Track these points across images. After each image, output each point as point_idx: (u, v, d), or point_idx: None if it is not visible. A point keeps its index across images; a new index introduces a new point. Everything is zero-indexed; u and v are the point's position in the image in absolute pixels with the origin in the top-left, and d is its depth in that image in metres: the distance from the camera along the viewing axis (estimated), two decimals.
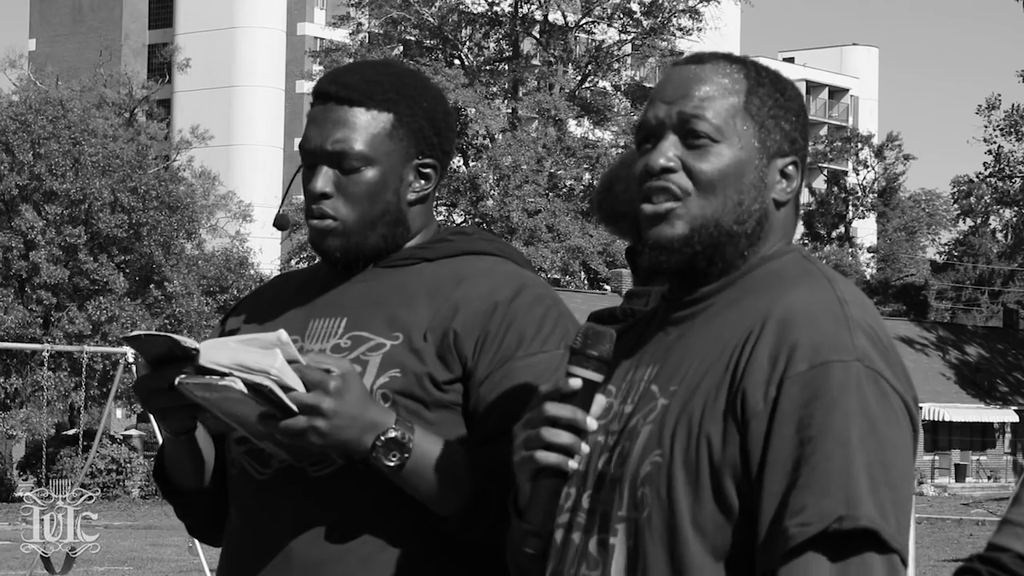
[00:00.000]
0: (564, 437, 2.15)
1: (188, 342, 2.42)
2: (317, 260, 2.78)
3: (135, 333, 2.46)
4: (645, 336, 2.28)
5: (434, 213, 2.81)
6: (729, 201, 2.18)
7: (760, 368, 2.08)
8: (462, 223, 43.32)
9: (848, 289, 2.17)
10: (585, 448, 2.17)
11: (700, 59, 2.26)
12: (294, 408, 2.40)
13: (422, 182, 2.69)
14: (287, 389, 2.39)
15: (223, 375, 2.39)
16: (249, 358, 2.38)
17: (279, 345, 2.39)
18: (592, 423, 2.16)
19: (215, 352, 2.40)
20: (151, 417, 18.14)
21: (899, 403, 2.08)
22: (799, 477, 2.00)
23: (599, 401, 2.19)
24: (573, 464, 2.16)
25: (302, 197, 2.80)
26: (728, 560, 2.07)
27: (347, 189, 2.63)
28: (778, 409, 2.04)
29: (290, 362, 2.39)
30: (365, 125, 2.64)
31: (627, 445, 2.16)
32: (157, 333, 2.44)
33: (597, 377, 2.17)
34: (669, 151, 2.19)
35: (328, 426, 2.41)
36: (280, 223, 2.92)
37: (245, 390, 2.38)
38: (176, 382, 2.44)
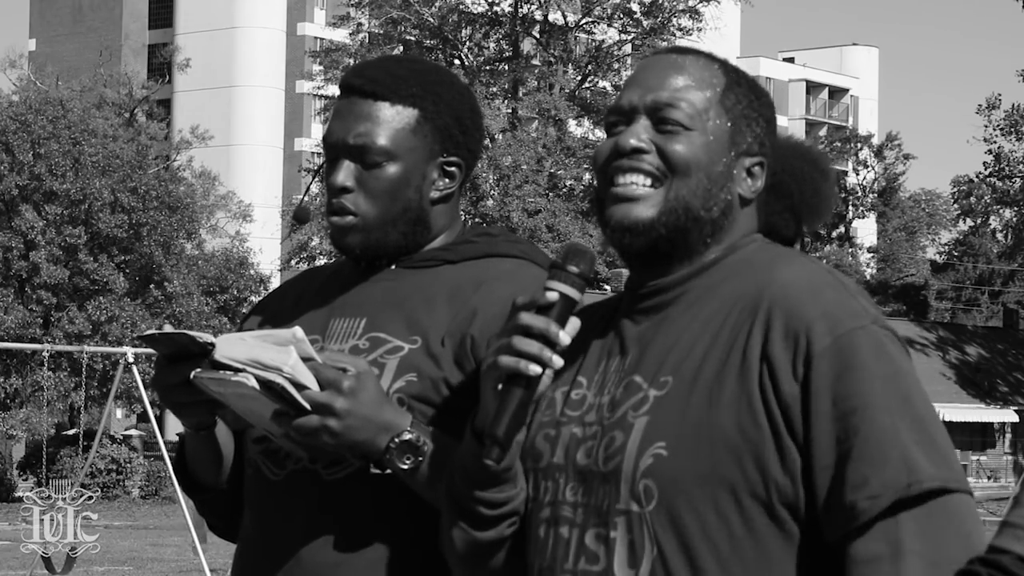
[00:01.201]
0: (533, 346, 2.14)
1: (204, 337, 2.40)
2: (323, 261, 2.76)
3: (150, 332, 2.43)
4: (612, 325, 2.28)
5: (460, 213, 2.77)
6: (700, 185, 2.21)
7: (781, 349, 2.09)
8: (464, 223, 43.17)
9: (830, 267, 2.23)
10: (558, 361, 2.16)
11: (681, 50, 2.29)
12: (307, 407, 2.37)
13: (446, 180, 2.66)
14: (301, 387, 2.36)
15: (237, 370, 2.37)
16: (264, 354, 2.36)
17: (294, 342, 2.36)
18: (565, 337, 2.15)
19: (231, 347, 2.38)
20: (151, 417, 18.05)
21: (908, 355, 2.15)
22: (852, 449, 2.04)
23: (573, 323, 2.18)
24: (536, 369, 2.15)
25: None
26: (744, 545, 2.07)
27: (368, 184, 2.60)
28: (812, 385, 2.07)
29: (305, 360, 2.37)
30: (389, 120, 2.60)
31: (618, 437, 2.15)
32: (173, 331, 2.41)
33: (575, 294, 2.16)
34: (642, 133, 2.21)
35: (341, 426, 2.38)
36: (300, 215, 2.91)
37: (258, 386, 2.36)
38: (191, 376, 2.42)
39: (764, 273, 2.17)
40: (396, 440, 2.42)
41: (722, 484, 2.07)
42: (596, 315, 2.33)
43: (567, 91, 46.67)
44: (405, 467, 2.43)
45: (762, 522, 2.07)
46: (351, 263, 2.71)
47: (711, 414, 2.09)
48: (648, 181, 2.20)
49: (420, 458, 2.43)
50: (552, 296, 2.15)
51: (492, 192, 44.87)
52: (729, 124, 2.24)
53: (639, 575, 2.10)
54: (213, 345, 2.40)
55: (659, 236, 2.19)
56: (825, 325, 2.09)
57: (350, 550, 2.53)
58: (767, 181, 2.30)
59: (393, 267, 2.67)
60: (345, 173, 2.61)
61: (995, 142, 56.88)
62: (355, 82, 2.64)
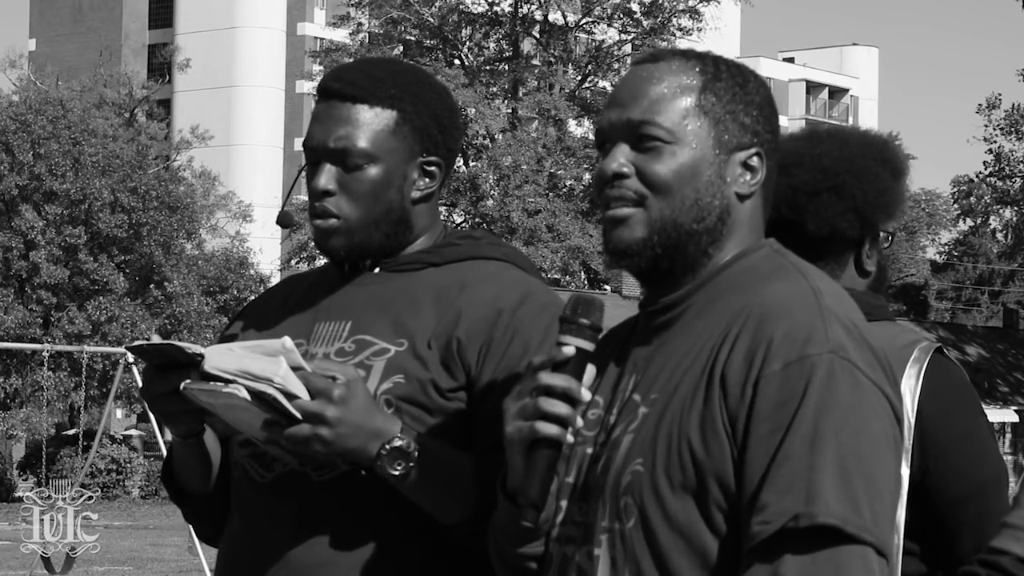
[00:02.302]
0: (561, 407, 2.12)
1: (193, 348, 2.41)
2: (324, 261, 2.77)
3: (138, 343, 2.44)
4: (628, 346, 2.27)
5: (440, 213, 2.78)
6: (686, 200, 2.17)
7: (738, 368, 2.06)
8: (461, 223, 43.23)
9: (822, 281, 2.16)
10: (580, 422, 2.15)
11: (655, 57, 2.25)
12: (298, 416, 2.38)
13: (426, 180, 2.67)
14: (291, 396, 2.37)
15: (227, 382, 2.38)
16: (253, 365, 2.36)
17: (283, 352, 2.37)
18: (586, 394, 2.14)
19: (220, 358, 2.39)
20: (151, 417, 18.06)
21: (876, 393, 2.05)
22: (768, 474, 1.99)
23: (590, 371, 2.16)
24: (570, 438, 2.14)
25: (305, 196, 2.78)
26: (715, 566, 2.06)
27: (350, 187, 2.61)
28: (754, 409, 2.03)
29: (295, 369, 2.38)
30: (368, 122, 2.62)
31: (611, 455, 2.15)
32: (161, 342, 2.42)
33: (588, 346, 2.14)
34: (620, 157, 2.19)
35: (332, 434, 2.39)
36: (283, 221, 2.91)
37: (249, 397, 2.37)
38: (181, 387, 2.43)
39: (754, 289, 2.14)
40: (387, 447, 2.44)
41: (694, 500, 2.06)
42: (617, 336, 2.33)
43: (567, 91, 46.65)
44: (396, 473, 2.44)
45: (733, 538, 2.05)
46: (335, 267, 2.72)
47: (682, 431, 2.07)
48: (631, 206, 2.18)
49: (411, 464, 2.45)
50: (569, 351, 2.14)
51: (492, 192, 44.85)
52: (711, 125, 2.19)
53: None
54: (202, 356, 2.40)
55: (656, 255, 2.18)
56: (781, 348, 2.04)
57: (338, 551, 2.54)
58: (772, 165, 2.24)
59: (377, 270, 2.68)
60: (326, 177, 2.62)
61: (995, 142, 56.85)
62: (333, 86, 2.65)
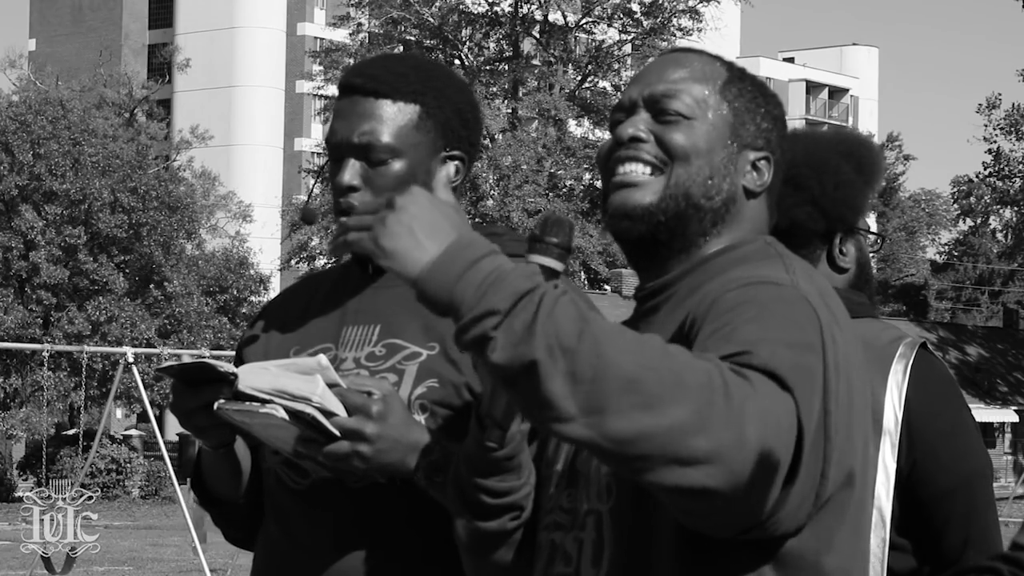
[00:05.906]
0: None
1: (224, 367, 2.39)
2: (323, 261, 2.74)
3: (168, 364, 2.42)
4: None
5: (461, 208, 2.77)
6: (700, 174, 2.18)
7: (698, 317, 2.05)
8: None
9: (800, 265, 2.15)
10: None
11: (684, 50, 2.29)
12: (337, 434, 2.37)
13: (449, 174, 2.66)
14: (329, 414, 2.36)
15: (264, 401, 2.36)
16: (290, 384, 2.35)
17: (320, 370, 2.36)
18: None
19: (254, 378, 2.37)
20: (151, 417, 17.97)
21: (797, 306, 2.02)
22: (717, 339, 1.96)
23: None
24: None
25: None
26: (701, 543, 2.03)
27: (374, 182, 2.60)
28: (708, 315, 2.01)
29: (331, 386, 2.36)
30: (392, 117, 2.61)
31: None
32: (192, 361, 2.40)
33: (557, 265, 2.08)
34: (640, 124, 2.20)
35: (371, 450, 2.38)
36: (307, 217, 2.89)
37: (287, 417, 2.36)
38: (215, 407, 2.41)
39: (737, 271, 2.13)
40: (425, 459, 2.43)
41: None
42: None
43: (567, 91, 46.68)
44: (435, 484, 2.43)
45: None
46: (357, 267, 2.70)
47: None
48: (648, 170, 2.19)
49: (447, 474, 2.42)
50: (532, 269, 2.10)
51: (492, 192, 44.89)
52: (731, 114, 2.21)
53: (601, 573, 2.09)
54: (235, 375, 2.39)
55: (659, 223, 2.17)
56: (744, 280, 2.05)
57: (379, 558, 2.53)
58: (778, 176, 2.26)
59: None
60: (351, 172, 2.61)
61: (995, 142, 56.90)
62: (356, 81, 2.64)
